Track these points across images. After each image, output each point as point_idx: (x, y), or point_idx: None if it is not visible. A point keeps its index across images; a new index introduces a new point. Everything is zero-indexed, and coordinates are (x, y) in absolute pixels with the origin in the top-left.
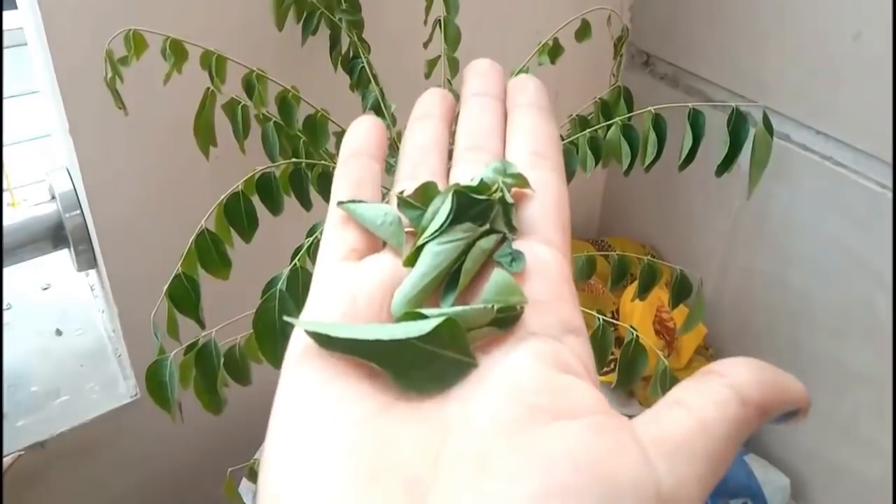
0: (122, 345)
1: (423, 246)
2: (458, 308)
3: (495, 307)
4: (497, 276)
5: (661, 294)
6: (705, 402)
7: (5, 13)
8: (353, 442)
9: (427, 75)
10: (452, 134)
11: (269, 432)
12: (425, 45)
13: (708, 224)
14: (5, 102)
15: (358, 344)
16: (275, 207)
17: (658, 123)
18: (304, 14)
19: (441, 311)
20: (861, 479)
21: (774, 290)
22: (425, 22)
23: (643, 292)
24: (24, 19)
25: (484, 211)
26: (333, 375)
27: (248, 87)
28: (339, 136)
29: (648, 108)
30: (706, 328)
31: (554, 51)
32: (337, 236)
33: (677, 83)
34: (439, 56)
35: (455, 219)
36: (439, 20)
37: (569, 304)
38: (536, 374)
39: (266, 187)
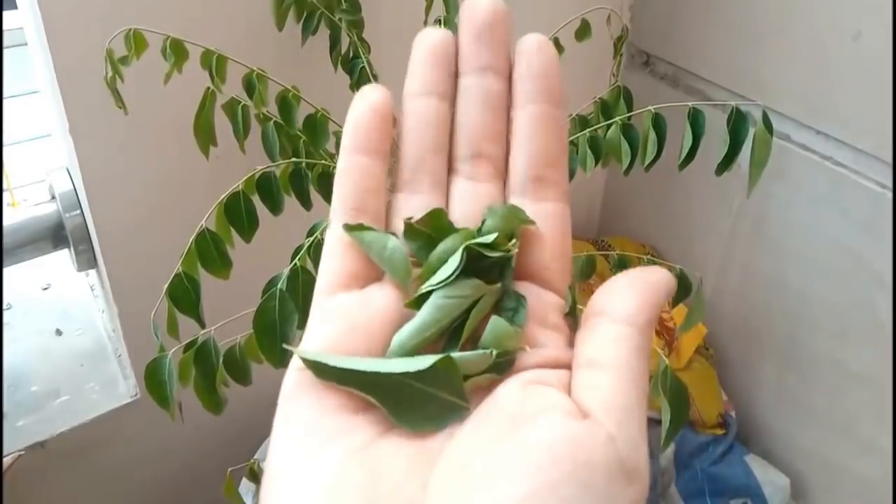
0: (122, 345)
1: (426, 293)
2: (457, 354)
3: (494, 353)
4: (495, 322)
5: None
6: (613, 350)
7: (5, 13)
8: (345, 474)
9: None
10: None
11: (266, 466)
12: None
13: (708, 224)
14: (5, 102)
15: (354, 375)
16: (275, 207)
17: (658, 123)
18: (304, 14)
19: (440, 355)
20: (861, 478)
21: (774, 290)
22: (425, 22)
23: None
24: (24, 19)
25: (493, 266)
26: (327, 408)
27: (249, 86)
28: (339, 135)
29: (648, 108)
30: (706, 328)
31: None
32: (337, 261)
33: (677, 83)
34: None
35: (463, 271)
36: (439, 20)
37: (562, 346)
38: (515, 391)
39: (266, 187)
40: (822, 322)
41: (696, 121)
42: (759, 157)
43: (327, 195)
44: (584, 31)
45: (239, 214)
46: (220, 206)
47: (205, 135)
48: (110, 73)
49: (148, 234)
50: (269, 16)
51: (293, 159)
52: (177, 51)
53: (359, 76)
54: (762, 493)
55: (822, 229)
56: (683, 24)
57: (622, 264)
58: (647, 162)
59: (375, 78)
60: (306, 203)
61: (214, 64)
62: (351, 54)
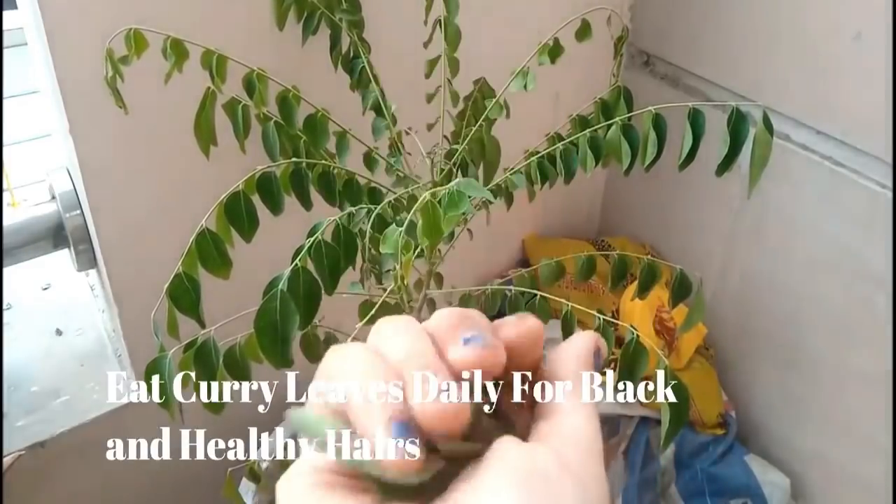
0: (122, 345)
1: None
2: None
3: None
4: None
5: (661, 294)
6: (566, 421)
7: (5, 13)
8: None
9: (427, 75)
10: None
11: None
12: (425, 44)
13: (708, 224)
14: (5, 102)
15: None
16: (275, 207)
17: (658, 123)
18: (305, 14)
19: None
20: (861, 479)
21: (774, 290)
22: (425, 22)
23: (643, 291)
24: (24, 19)
25: None
26: (325, 492)
27: (249, 86)
28: (339, 136)
29: (648, 108)
30: (706, 328)
31: (554, 51)
32: (318, 458)
33: (677, 83)
34: (439, 56)
35: None
36: (439, 20)
37: None
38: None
39: (266, 187)
40: (822, 322)
41: (696, 121)
42: (759, 157)
43: (327, 195)
44: (584, 31)
45: (239, 214)
46: (221, 205)
47: (205, 135)
48: (110, 73)
49: (148, 234)
50: (270, 16)
51: (293, 159)
52: (177, 51)
53: (359, 76)
54: (762, 493)
55: (822, 229)
56: (683, 24)
57: (622, 264)
58: (647, 162)
59: (376, 78)
60: (306, 203)
61: (214, 64)
62: (351, 54)
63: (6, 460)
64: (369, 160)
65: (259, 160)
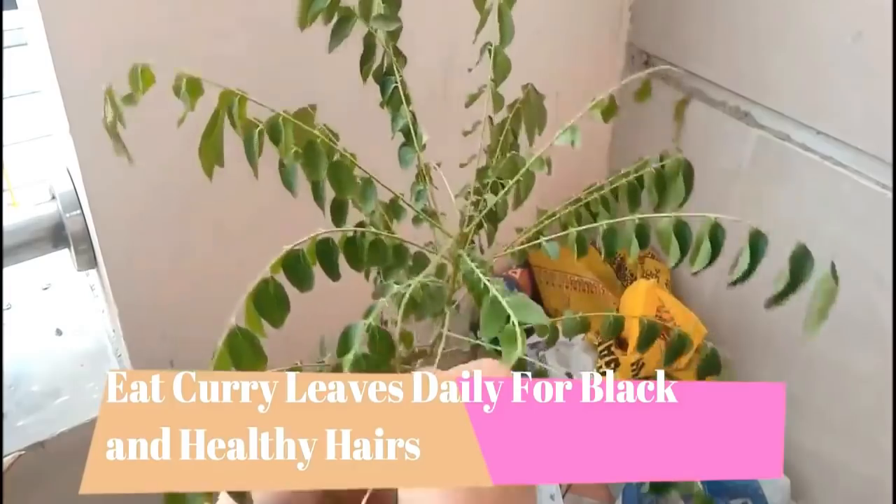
0: (122, 345)
1: None
2: None
3: None
4: None
5: (661, 294)
6: None
7: (5, 13)
8: None
9: (467, 105)
10: None
11: None
12: (470, 70)
13: None
14: (5, 102)
15: None
16: (304, 285)
17: (715, 233)
18: (335, 19)
19: None
20: (861, 479)
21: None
22: (474, 41)
23: (644, 347)
24: (24, 19)
25: None
26: None
27: (273, 131)
28: (365, 182)
29: (676, 156)
30: (706, 328)
31: (609, 109)
32: None
33: (678, 83)
34: (481, 90)
35: None
36: (489, 48)
37: None
38: None
39: (293, 265)
40: None
41: (756, 244)
42: (820, 308)
43: (354, 262)
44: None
45: (269, 302)
46: (249, 298)
47: (210, 159)
48: (110, 117)
49: (148, 234)
50: (281, 20)
51: (319, 231)
52: (192, 90)
53: (391, 95)
54: (762, 493)
55: (822, 229)
56: (683, 24)
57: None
58: (695, 269)
59: (408, 98)
60: (333, 274)
61: (236, 105)
62: (384, 69)
63: (6, 460)
64: (394, 208)
65: (263, 165)
